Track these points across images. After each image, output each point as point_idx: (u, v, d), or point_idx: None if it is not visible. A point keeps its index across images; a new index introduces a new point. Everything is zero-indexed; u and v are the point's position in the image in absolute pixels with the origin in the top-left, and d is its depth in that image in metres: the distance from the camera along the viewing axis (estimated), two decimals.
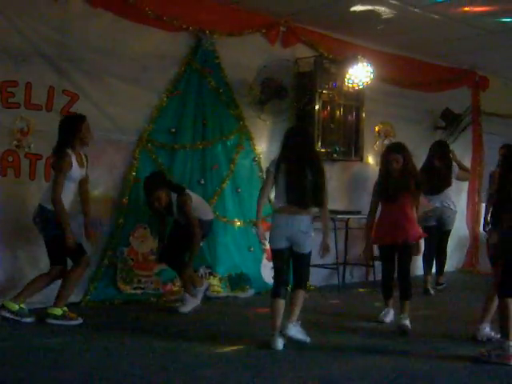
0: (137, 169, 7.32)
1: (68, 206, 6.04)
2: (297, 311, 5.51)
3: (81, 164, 6.12)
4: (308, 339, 5.51)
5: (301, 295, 5.60)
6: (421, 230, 6.54)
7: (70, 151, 5.96)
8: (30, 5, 6.61)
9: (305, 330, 5.53)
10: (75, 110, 6.78)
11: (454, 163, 8.95)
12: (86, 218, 6.41)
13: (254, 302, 7.49)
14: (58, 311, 5.99)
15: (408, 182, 6.35)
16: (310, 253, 5.62)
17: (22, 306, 5.97)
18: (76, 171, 6.04)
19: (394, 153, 6.46)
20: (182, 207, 6.67)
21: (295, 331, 5.44)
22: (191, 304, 6.75)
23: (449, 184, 8.78)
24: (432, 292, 8.48)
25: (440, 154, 8.79)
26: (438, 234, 8.74)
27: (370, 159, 9.58)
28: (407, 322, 6.22)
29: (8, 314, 5.89)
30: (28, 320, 5.95)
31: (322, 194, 5.56)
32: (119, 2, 7.07)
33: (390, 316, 6.66)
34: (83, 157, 6.21)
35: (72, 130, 6.03)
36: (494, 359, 5.09)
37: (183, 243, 6.76)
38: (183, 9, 7.60)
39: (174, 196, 6.70)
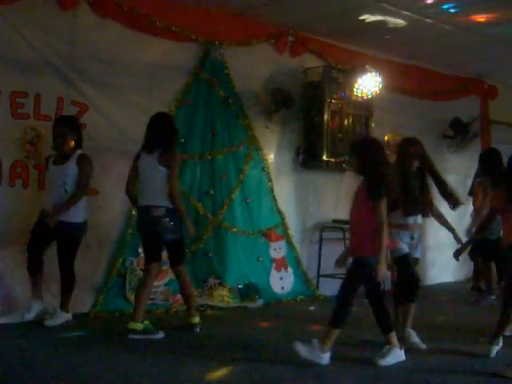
0: None
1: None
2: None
3: None
4: None
5: None
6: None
7: None
8: (39, 16, 6.64)
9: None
10: (84, 120, 6.83)
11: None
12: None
13: (264, 312, 7.47)
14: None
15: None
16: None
17: (145, 322, 6.01)
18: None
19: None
20: (82, 165, 6.21)
21: None
22: (61, 318, 6.32)
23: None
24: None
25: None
26: None
27: None
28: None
29: (137, 336, 5.86)
30: (159, 336, 5.97)
31: None
32: (127, 12, 7.10)
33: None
34: None
35: (173, 127, 6.23)
36: None
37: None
38: (192, 19, 7.63)
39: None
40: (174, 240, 6.11)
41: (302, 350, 5.11)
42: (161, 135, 6.09)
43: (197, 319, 6.31)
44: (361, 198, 5.28)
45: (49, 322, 6.20)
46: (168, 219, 5.98)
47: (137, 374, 4.81)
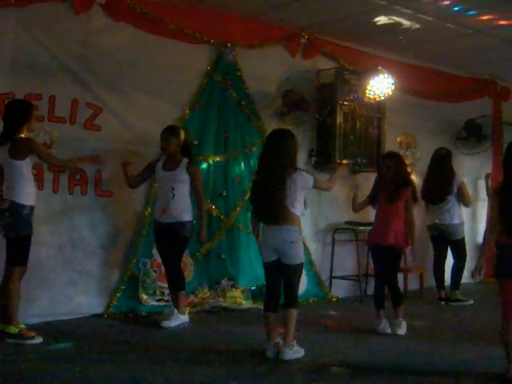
0: None
1: None
2: (290, 333, 5.45)
3: None
4: (302, 352, 5.52)
5: (291, 314, 5.52)
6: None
7: None
8: (53, 19, 6.67)
9: (300, 345, 5.55)
10: (98, 122, 6.88)
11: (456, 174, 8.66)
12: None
13: None
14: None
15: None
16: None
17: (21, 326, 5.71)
18: None
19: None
20: (192, 175, 6.64)
21: (291, 354, 5.41)
22: (178, 320, 6.62)
23: (447, 194, 8.49)
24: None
25: (440, 161, 8.67)
26: (442, 244, 8.78)
27: None
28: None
29: (11, 340, 5.58)
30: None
31: None
32: (141, 15, 7.13)
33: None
34: None
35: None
36: None
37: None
38: (204, 22, 7.65)
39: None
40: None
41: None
42: None
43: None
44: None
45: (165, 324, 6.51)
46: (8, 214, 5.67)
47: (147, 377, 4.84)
